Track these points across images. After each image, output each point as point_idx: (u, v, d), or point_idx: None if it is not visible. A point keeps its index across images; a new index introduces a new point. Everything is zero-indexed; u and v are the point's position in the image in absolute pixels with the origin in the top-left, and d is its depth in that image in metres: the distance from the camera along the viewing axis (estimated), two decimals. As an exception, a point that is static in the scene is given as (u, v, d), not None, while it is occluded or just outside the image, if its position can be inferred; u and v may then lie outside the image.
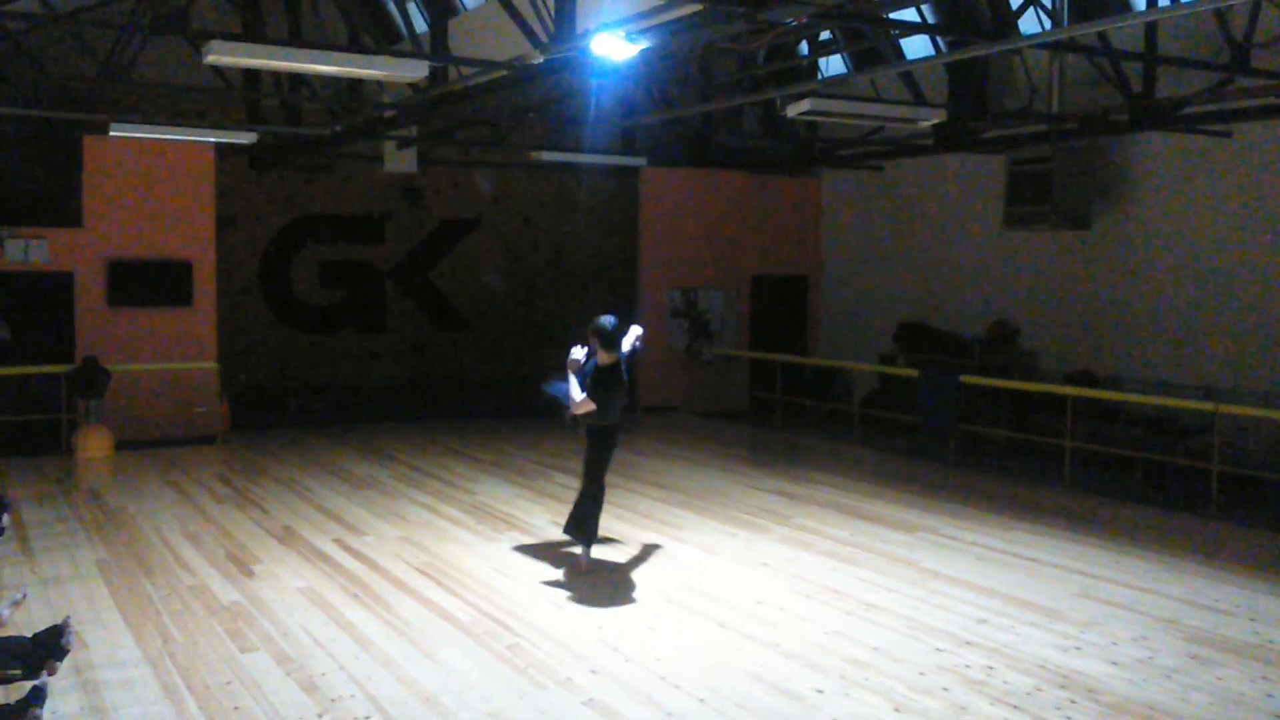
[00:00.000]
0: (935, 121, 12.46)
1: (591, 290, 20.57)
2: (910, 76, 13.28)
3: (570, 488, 10.81)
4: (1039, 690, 6.23)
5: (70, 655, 6.29)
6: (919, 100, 12.95)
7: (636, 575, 8.63)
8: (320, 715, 5.83)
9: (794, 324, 19.56)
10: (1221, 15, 10.83)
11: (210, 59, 8.61)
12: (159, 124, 13.58)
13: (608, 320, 8.63)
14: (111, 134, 13.10)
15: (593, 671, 6.48)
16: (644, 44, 8.54)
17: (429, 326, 19.83)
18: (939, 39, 13.81)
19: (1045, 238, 15.05)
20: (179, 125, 13.81)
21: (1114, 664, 6.66)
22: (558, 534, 9.73)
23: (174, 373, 14.70)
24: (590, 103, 14.29)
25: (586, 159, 16.20)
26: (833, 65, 16.22)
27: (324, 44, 11.25)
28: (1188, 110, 11.98)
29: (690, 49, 10.56)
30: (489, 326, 20.11)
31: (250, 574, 8.55)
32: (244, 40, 8.80)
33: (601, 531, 9.13)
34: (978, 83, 12.83)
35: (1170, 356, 13.60)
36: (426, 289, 19.76)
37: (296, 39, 12.32)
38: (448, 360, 19.93)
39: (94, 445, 13.69)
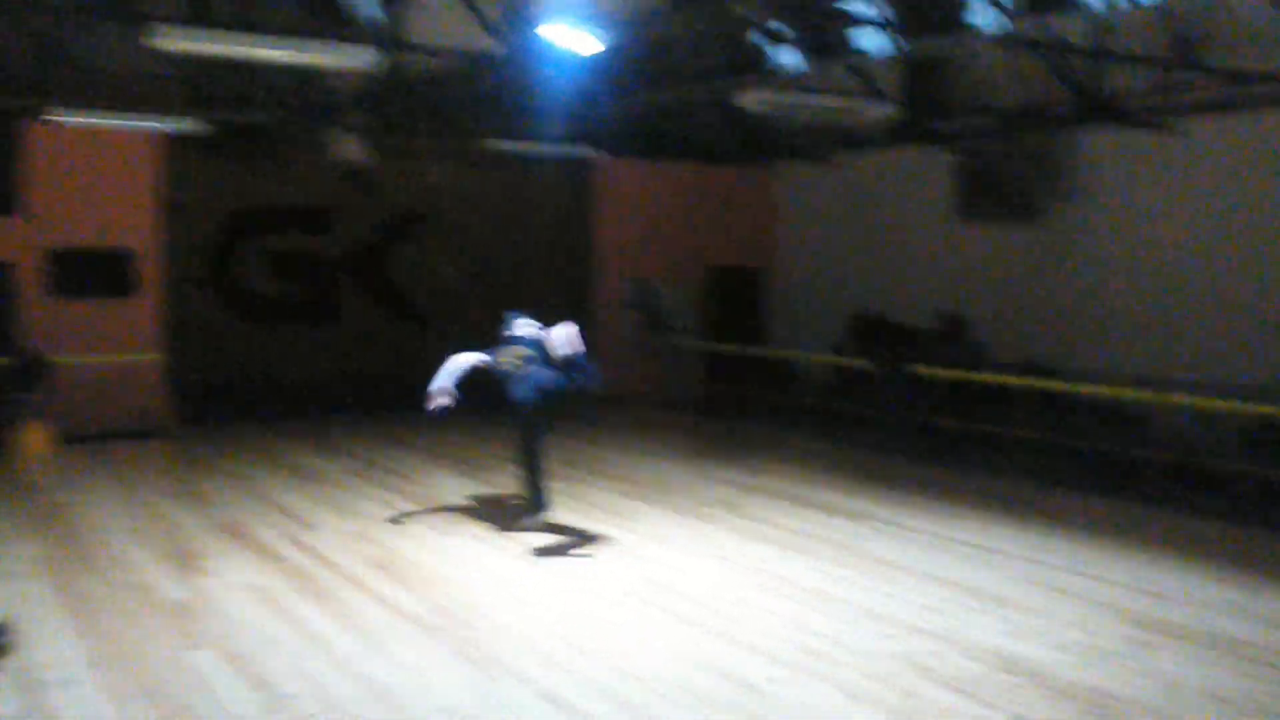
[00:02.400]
0: (887, 114, 12.54)
1: (545, 282, 20.49)
2: (863, 69, 13.34)
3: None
4: (986, 675, 6.28)
5: (11, 656, 6.20)
6: (872, 93, 13.01)
7: (590, 567, 8.61)
8: (271, 713, 5.76)
9: (747, 315, 19.60)
10: (1168, 11, 10.95)
11: (155, 44, 8.47)
12: (102, 110, 13.34)
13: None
14: (52, 120, 12.85)
15: (547, 664, 6.46)
16: (598, 35, 8.51)
17: (381, 318, 19.67)
18: (893, 33, 13.86)
19: (996, 231, 15.17)
20: (123, 111, 13.58)
21: (1059, 649, 6.73)
22: (511, 526, 9.71)
23: (117, 365, 14.46)
24: (544, 93, 14.22)
25: (540, 150, 16.15)
26: (786, 57, 16.24)
27: (274, 30, 11.11)
28: (1135, 105, 12.12)
29: (644, 39, 10.54)
30: (442, 318, 19.99)
31: (198, 570, 8.44)
32: (190, 25, 8.66)
33: (553, 520, 9.48)
34: (930, 77, 12.91)
35: (1118, 347, 13.77)
36: (378, 280, 19.60)
37: (245, 24, 12.16)
38: (400, 352, 19.78)
39: (34, 440, 13.42)
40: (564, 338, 9.28)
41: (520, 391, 9.35)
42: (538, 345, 9.52)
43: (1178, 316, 13.15)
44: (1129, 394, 11.91)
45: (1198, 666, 6.48)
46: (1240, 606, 7.65)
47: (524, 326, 9.78)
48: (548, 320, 9.76)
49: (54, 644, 6.80)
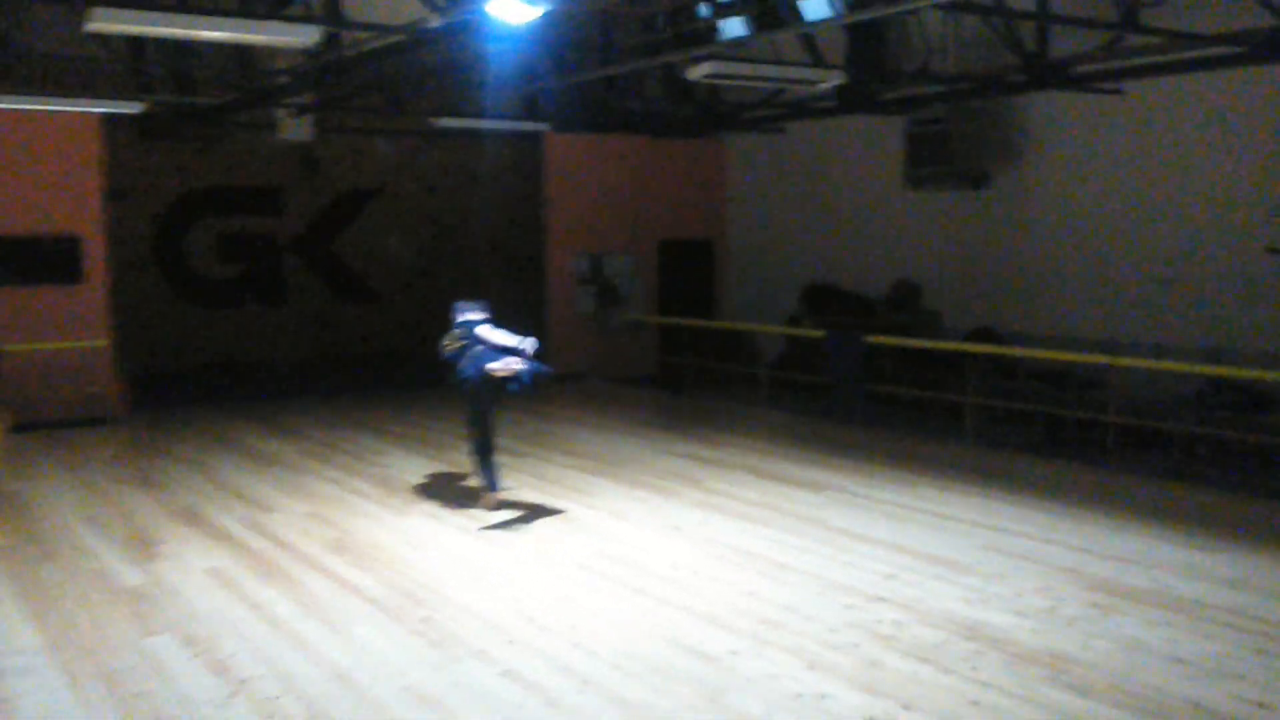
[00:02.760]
0: (835, 84, 12.54)
1: (497, 258, 20.42)
2: (810, 39, 13.31)
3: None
4: (947, 642, 6.35)
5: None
6: (818, 62, 13.00)
7: (549, 544, 8.61)
8: (230, 696, 5.73)
9: (701, 288, 19.61)
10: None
11: (93, 26, 8.33)
12: (41, 94, 13.10)
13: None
14: (-7, 106, 12.65)
15: (508, 642, 6.46)
16: (543, 7, 8.45)
17: (332, 298, 19.54)
18: (838, 0, 13.85)
19: (945, 198, 15.25)
20: (61, 95, 13.34)
21: (1019, 614, 6.81)
22: (469, 506, 9.71)
23: (66, 352, 14.25)
24: (490, 68, 14.10)
25: (488, 125, 16.05)
26: (733, 28, 16.19)
27: (212, 9, 10.93)
28: (1081, 69, 12.19)
29: (591, 12, 10.47)
30: (394, 297, 19.88)
31: (154, 556, 8.37)
32: (127, 6, 8.50)
33: (508, 497, 9.65)
34: (876, 44, 12.92)
35: (1069, 312, 13.90)
36: (328, 260, 19.46)
37: (183, 4, 11.97)
38: (353, 332, 19.68)
39: (-15, 429, 13.27)
40: (502, 339, 9.41)
41: (466, 370, 9.35)
42: (474, 334, 9.55)
43: (1128, 280, 13.29)
44: (1083, 358, 12.02)
45: (1158, 629, 6.56)
46: (1198, 568, 7.76)
47: (468, 313, 9.83)
48: (501, 310, 9.83)
49: (11, 631, 6.74)
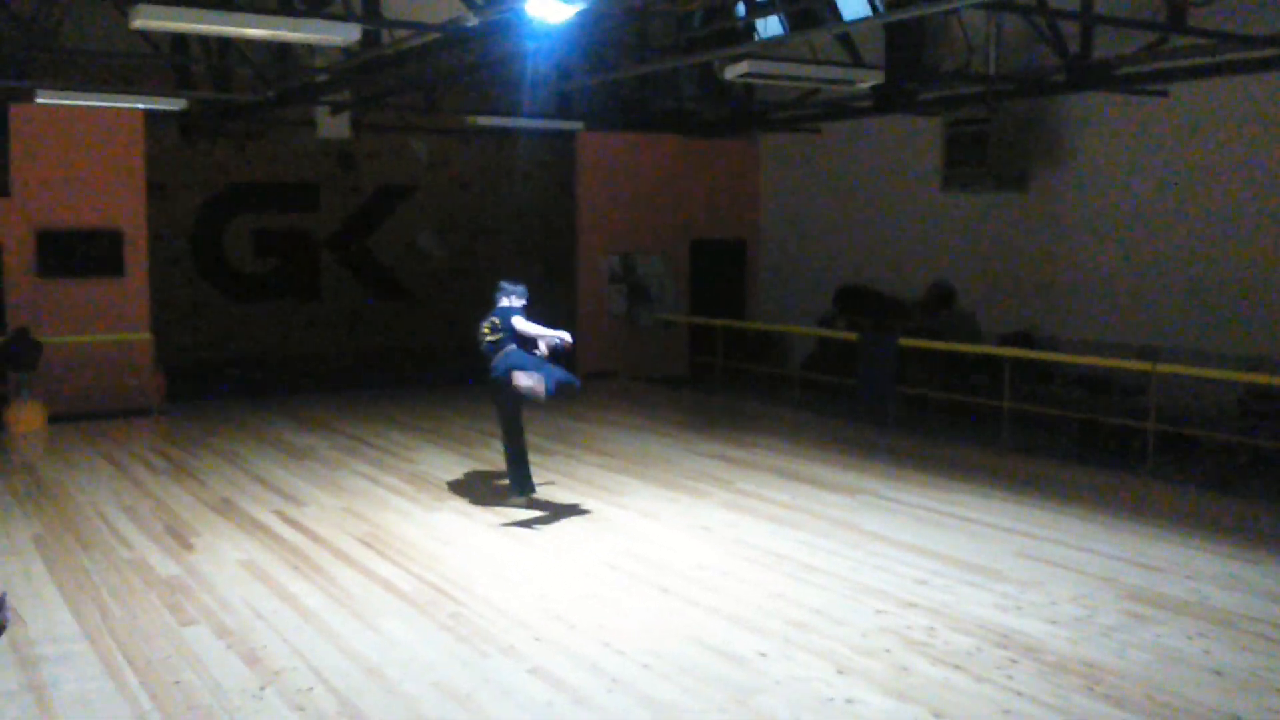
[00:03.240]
0: (873, 83, 12.46)
1: (529, 256, 20.45)
2: (848, 38, 13.26)
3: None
4: (980, 650, 6.30)
5: (7, 631, 6.18)
6: (856, 62, 12.94)
7: (579, 542, 8.62)
8: (262, 688, 5.77)
9: (733, 288, 19.57)
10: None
11: (137, 23, 8.40)
12: (86, 90, 13.25)
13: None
14: (38, 101, 12.79)
15: (536, 639, 6.47)
16: (580, 6, 8.44)
17: (366, 294, 19.63)
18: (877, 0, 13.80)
19: (983, 199, 15.14)
20: (107, 92, 13.49)
21: (1053, 623, 6.75)
22: (499, 503, 9.74)
23: (107, 344, 14.41)
24: (526, 66, 14.13)
25: (523, 123, 16.06)
26: (770, 26, 16.16)
27: (254, 7, 11.01)
28: (1124, 70, 12.06)
29: (626, 11, 10.47)
30: (426, 294, 19.95)
31: (189, 547, 8.44)
32: (171, 4, 8.58)
33: (536, 497, 9.72)
34: (915, 44, 12.84)
35: (1108, 317, 13.76)
36: (363, 257, 19.55)
37: (226, 2, 12.06)
38: (385, 328, 19.76)
39: (27, 419, 13.41)
40: (536, 332, 9.41)
41: (498, 367, 9.34)
42: (509, 324, 9.46)
43: (1169, 285, 13.14)
44: (1122, 364, 11.90)
45: (1195, 640, 6.49)
46: (1237, 579, 7.67)
47: (509, 297, 9.68)
48: (531, 308, 9.74)
49: (49, 619, 6.81)
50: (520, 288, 9.75)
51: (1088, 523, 9.13)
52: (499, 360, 9.33)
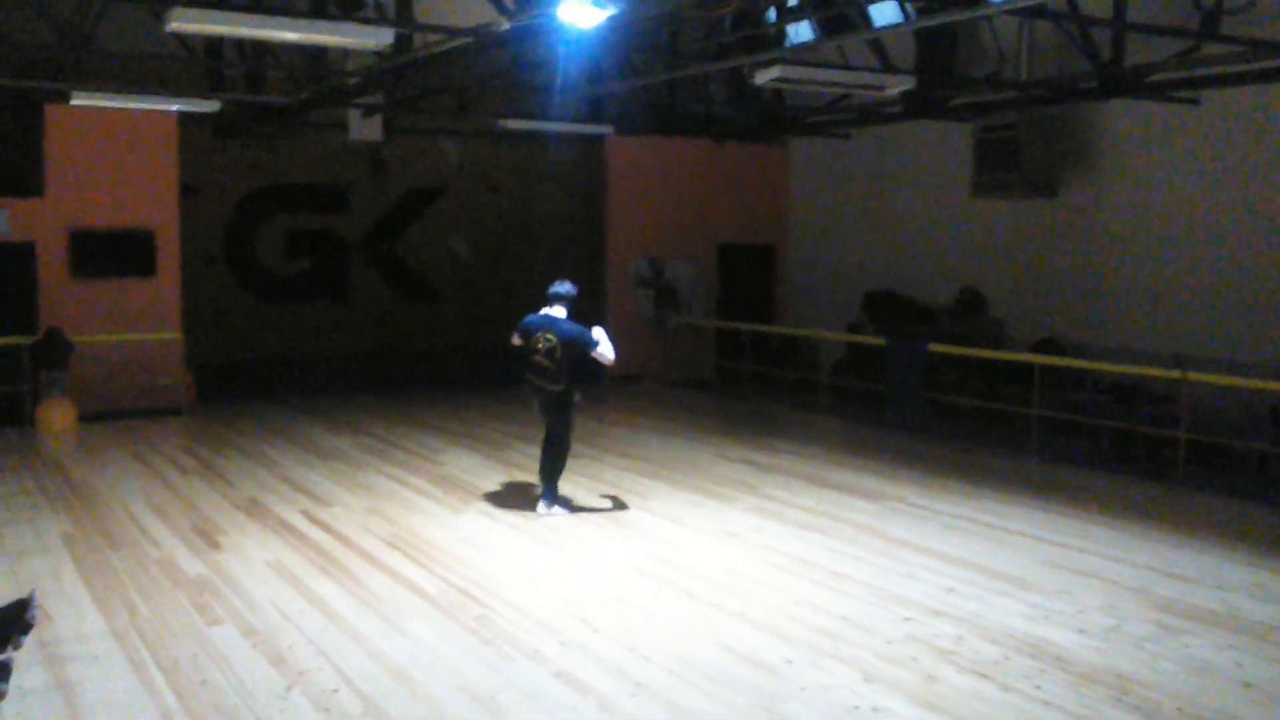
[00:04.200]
0: (903, 89, 12.43)
1: (558, 259, 20.47)
2: (879, 43, 13.21)
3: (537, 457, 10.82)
4: (1007, 659, 6.26)
5: (35, 630, 6.21)
6: (887, 67, 12.90)
7: (605, 546, 8.62)
8: (288, 688, 5.78)
9: (761, 293, 19.54)
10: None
11: (172, 26, 8.47)
12: (121, 92, 13.36)
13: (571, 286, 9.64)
14: (73, 102, 12.91)
15: (561, 643, 6.46)
16: (611, 10, 8.45)
17: (395, 296, 19.69)
18: (908, 5, 13.74)
19: (1013, 205, 15.07)
20: (141, 93, 13.59)
21: (1082, 633, 6.70)
22: (525, 506, 9.74)
23: (138, 344, 14.52)
24: (556, 70, 14.15)
25: (552, 127, 16.09)
26: (800, 32, 16.11)
27: (287, 10, 11.06)
28: (1156, 77, 11.98)
29: (657, 16, 10.47)
30: (455, 296, 19.99)
31: (216, 546, 8.48)
32: (206, 7, 8.65)
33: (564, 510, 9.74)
34: (946, 50, 12.78)
35: (1138, 324, 13.66)
36: (392, 258, 19.61)
37: (259, 6, 12.12)
38: (414, 330, 19.81)
39: (57, 418, 13.52)
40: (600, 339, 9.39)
41: (553, 379, 9.39)
42: (564, 334, 9.38)
43: (1199, 291, 13.04)
44: (1152, 372, 11.81)
45: (1226, 651, 6.43)
46: (1269, 589, 7.60)
47: (554, 305, 9.59)
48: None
49: (77, 618, 6.85)
50: (568, 291, 9.58)
51: (1117, 532, 9.06)
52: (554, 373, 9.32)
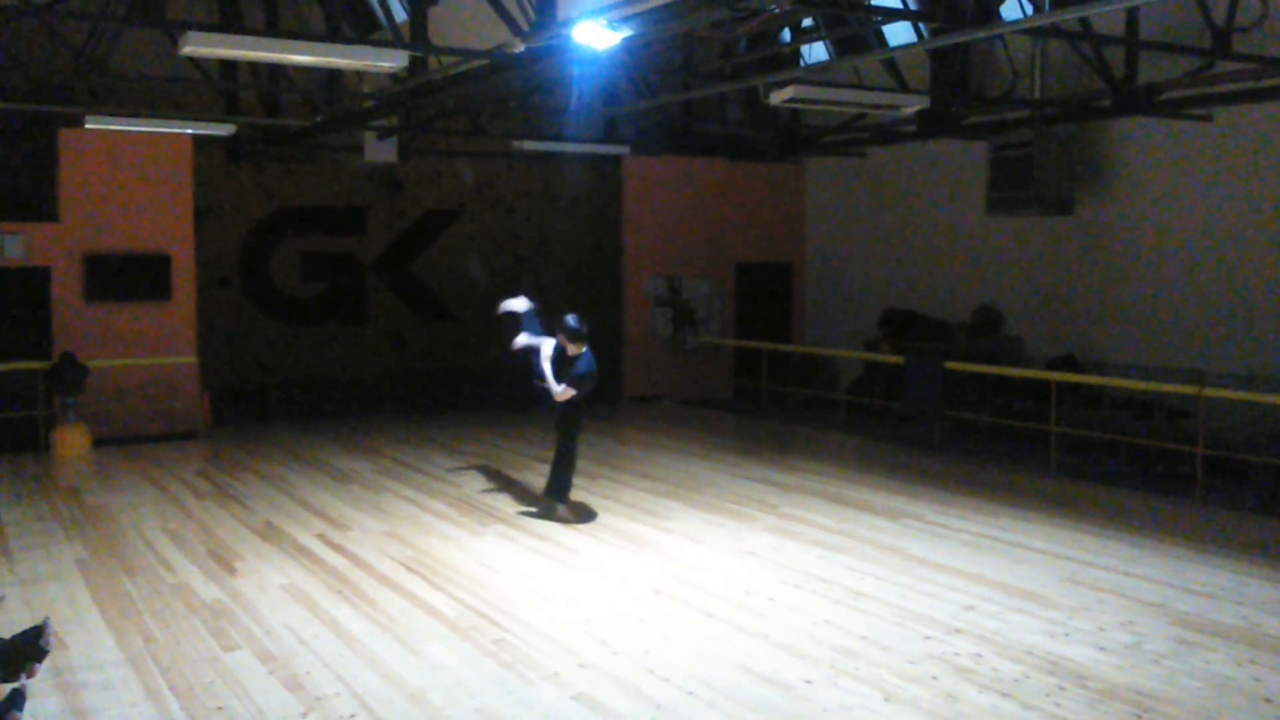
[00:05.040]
0: (918, 108, 12.43)
1: (575, 280, 20.49)
2: (893, 63, 13.25)
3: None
4: (1028, 677, 6.21)
5: (50, 656, 6.21)
6: (902, 86, 12.92)
7: (623, 567, 8.59)
8: (305, 714, 5.76)
9: (778, 311, 19.52)
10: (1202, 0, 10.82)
11: (187, 50, 8.51)
12: (135, 116, 13.44)
13: (572, 319, 9.94)
14: (87, 126, 13.00)
15: (581, 665, 6.43)
16: (626, 32, 8.47)
17: (411, 318, 19.72)
18: (921, 25, 13.76)
19: (1028, 223, 15.04)
20: (155, 117, 13.67)
21: (1102, 649, 6.65)
22: (544, 527, 9.73)
23: (153, 368, 14.56)
24: (572, 91, 14.18)
25: (568, 148, 16.13)
26: (815, 52, 16.16)
27: (302, 34, 11.14)
28: (1169, 95, 11.97)
29: (672, 36, 10.49)
30: (472, 317, 20.02)
31: (232, 571, 8.47)
32: (221, 31, 8.70)
33: (569, 517, 10.02)
34: (960, 69, 12.78)
35: (1154, 340, 13.61)
36: (408, 280, 19.65)
37: (274, 29, 12.20)
38: (430, 352, 19.83)
39: (72, 442, 13.56)
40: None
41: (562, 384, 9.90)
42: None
43: (1215, 308, 12.98)
44: (1170, 388, 11.74)
45: (1246, 667, 6.38)
46: (1287, 606, 7.54)
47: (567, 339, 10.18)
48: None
49: (92, 644, 6.84)
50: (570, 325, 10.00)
51: (1136, 548, 9.00)
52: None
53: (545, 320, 10.57)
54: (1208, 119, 12.64)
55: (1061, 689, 6.04)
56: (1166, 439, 12.06)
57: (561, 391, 9.76)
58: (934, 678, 6.22)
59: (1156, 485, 11.62)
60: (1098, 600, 7.63)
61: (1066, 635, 6.91)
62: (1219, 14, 10.84)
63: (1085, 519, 10.00)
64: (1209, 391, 11.14)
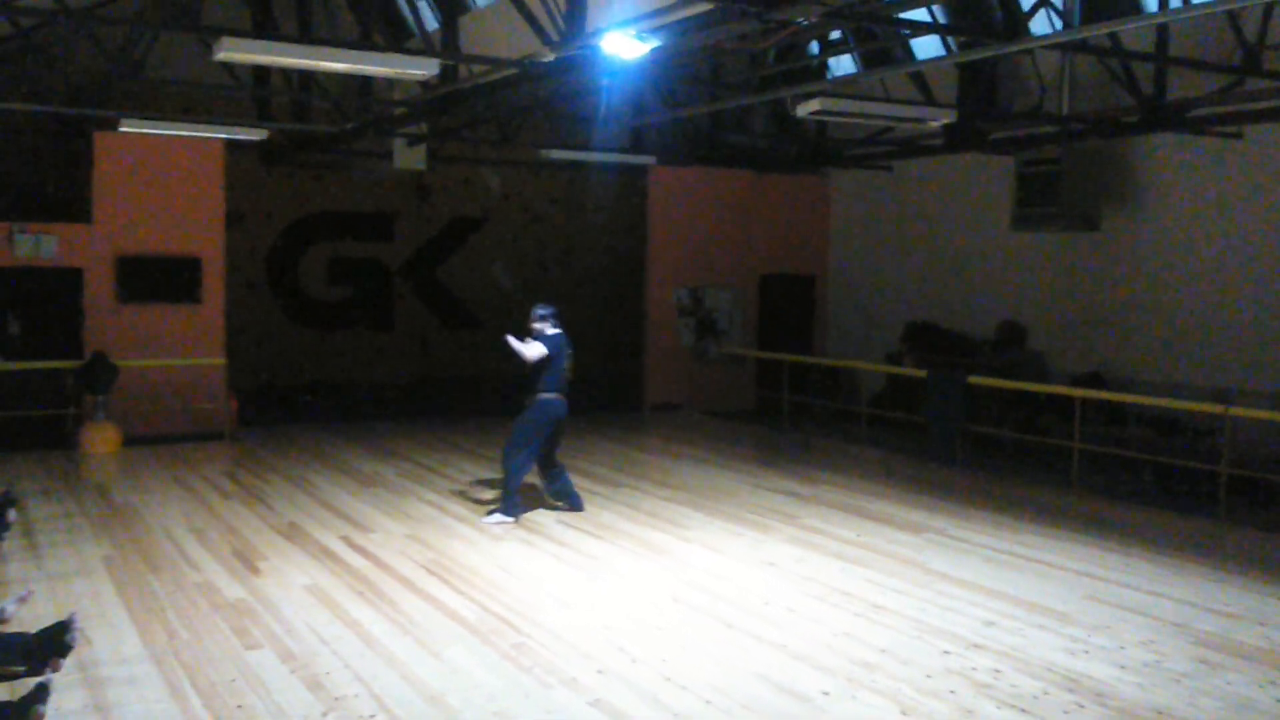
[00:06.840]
0: (945, 122, 12.43)
1: (599, 288, 20.55)
2: (920, 76, 13.24)
3: (580, 485, 10.84)
4: (1046, 694, 6.20)
5: (75, 652, 6.30)
6: (929, 100, 12.92)
7: (643, 575, 8.61)
8: (325, 714, 5.81)
9: (801, 323, 19.52)
10: (1233, 16, 10.79)
11: (221, 56, 8.61)
12: (169, 120, 13.57)
13: (539, 307, 10.69)
14: (122, 130, 13.14)
15: (599, 671, 6.46)
16: (654, 43, 8.53)
17: (438, 323, 19.83)
18: (950, 39, 13.77)
19: (1054, 239, 15.01)
20: (189, 121, 13.81)
21: (1122, 667, 6.63)
22: (564, 533, 9.77)
23: (182, 369, 14.69)
24: (599, 101, 14.25)
25: (595, 157, 16.20)
26: (843, 65, 16.18)
27: (334, 41, 11.24)
28: (1198, 112, 11.94)
29: (700, 48, 10.53)
30: (497, 324, 20.10)
31: (256, 571, 8.54)
32: (254, 37, 8.81)
33: (607, 525, 10.00)
34: (988, 83, 12.78)
35: (1179, 358, 13.55)
36: (434, 286, 19.76)
37: (307, 36, 12.32)
38: (455, 358, 19.93)
39: (101, 441, 13.70)
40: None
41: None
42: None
43: (1242, 326, 12.92)
44: (1195, 406, 11.69)
45: (1268, 688, 6.35)
46: (1309, 626, 7.50)
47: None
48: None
49: (117, 641, 6.91)
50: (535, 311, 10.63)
51: (1158, 566, 8.97)
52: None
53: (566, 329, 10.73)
54: (1237, 136, 12.59)
55: (1080, 706, 6.03)
56: (1191, 457, 12.01)
57: (528, 349, 10.24)
58: (952, 692, 6.22)
59: (1180, 504, 11.57)
60: (1119, 618, 7.62)
61: (1086, 652, 6.90)
62: (1250, 31, 10.81)
63: (1107, 536, 9.97)
64: (1234, 410, 11.09)
